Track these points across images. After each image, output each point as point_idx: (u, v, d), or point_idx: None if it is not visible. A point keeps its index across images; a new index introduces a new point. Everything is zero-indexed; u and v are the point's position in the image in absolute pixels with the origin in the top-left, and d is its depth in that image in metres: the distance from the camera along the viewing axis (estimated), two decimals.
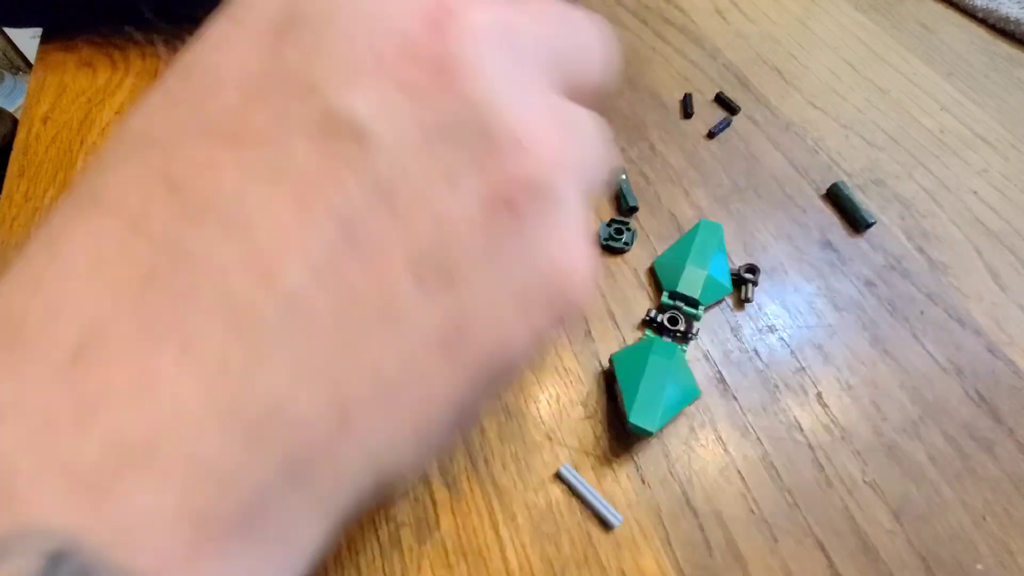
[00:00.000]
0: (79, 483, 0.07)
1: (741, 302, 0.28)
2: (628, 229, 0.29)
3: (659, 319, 0.26)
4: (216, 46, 0.09)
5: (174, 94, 0.09)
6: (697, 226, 0.29)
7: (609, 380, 0.25)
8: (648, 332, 0.26)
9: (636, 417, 0.21)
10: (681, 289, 0.26)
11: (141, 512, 0.07)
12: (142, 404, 0.07)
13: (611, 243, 0.29)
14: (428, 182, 0.09)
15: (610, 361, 0.24)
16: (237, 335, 0.08)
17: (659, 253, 0.29)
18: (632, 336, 0.26)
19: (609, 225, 0.30)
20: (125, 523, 0.07)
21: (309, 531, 0.09)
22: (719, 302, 0.28)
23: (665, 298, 0.27)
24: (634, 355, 0.24)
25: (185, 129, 0.09)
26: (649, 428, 0.21)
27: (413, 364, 0.09)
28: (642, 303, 0.28)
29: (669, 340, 0.26)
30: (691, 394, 0.23)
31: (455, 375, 0.10)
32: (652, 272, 0.28)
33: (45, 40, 0.37)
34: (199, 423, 0.08)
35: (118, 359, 0.07)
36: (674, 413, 0.23)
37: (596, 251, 0.12)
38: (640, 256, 0.29)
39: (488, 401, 0.11)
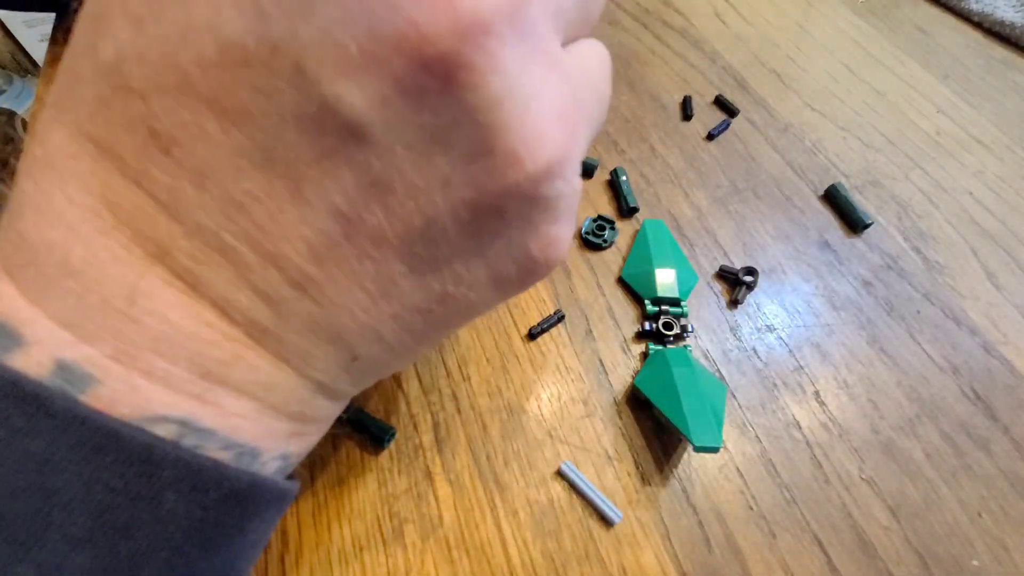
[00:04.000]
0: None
1: (734, 302, 0.28)
2: (611, 228, 0.30)
3: (653, 328, 0.26)
4: None
5: (146, 27, 0.08)
6: (643, 230, 0.29)
7: (639, 405, 0.24)
8: (649, 344, 0.26)
9: (701, 440, 0.21)
10: (661, 293, 0.27)
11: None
12: None
13: (590, 238, 0.29)
14: (422, 184, 0.09)
15: (633, 387, 0.24)
16: (256, 302, 0.10)
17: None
18: (631, 331, 0.27)
19: (594, 221, 0.30)
20: None
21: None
22: (707, 297, 0.28)
23: (649, 306, 0.27)
24: (656, 375, 0.24)
25: (162, 78, 0.08)
26: (716, 444, 0.21)
27: (403, 326, 0.11)
28: (641, 301, 0.28)
29: (673, 346, 0.26)
30: (722, 391, 0.24)
31: (430, 330, 0.12)
32: (622, 283, 0.28)
33: (53, 42, 0.38)
34: None
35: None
36: (723, 417, 0.23)
37: (574, 238, 0.11)
38: None
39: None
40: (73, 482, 0.08)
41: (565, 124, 0.09)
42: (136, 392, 0.09)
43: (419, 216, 0.09)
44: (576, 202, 0.11)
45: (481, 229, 0.10)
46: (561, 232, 0.11)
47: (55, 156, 0.09)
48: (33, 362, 0.09)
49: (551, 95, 0.09)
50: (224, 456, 0.10)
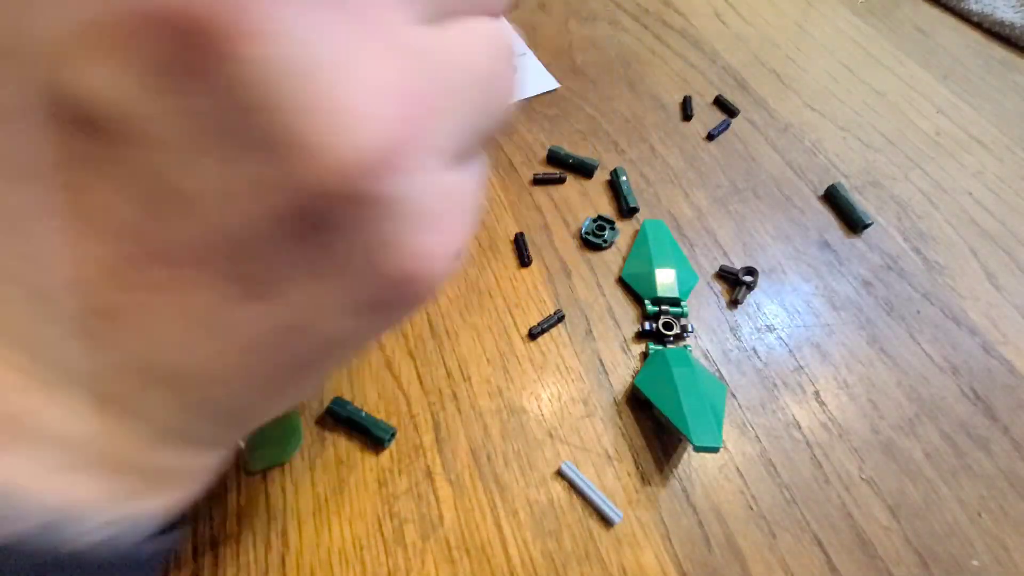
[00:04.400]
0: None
1: (734, 302, 0.28)
2: (611, 228, 0.30)
3: (653, 328, 0.26)
4: None
5: None
6: (643, 230, 0.29)
7: (639, 405, 0.24)
8: (649, 344, 0.26)
9: (701, 440, 0.21)
10: (661, 293, 0.27)
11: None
12: None
13: (590, 238, 0.29)
14: (201, 190, 0.07)
15: (634, 387, 0.24)
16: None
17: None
18: (631, 331, 0.27)
19: (594, 221, 0.30)
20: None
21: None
22: (709, 297, 0.28)
23: (649, 306, 0.27)
24: (656, 375, 0.24)
25: None
26: (716, 444, 0.21)
27: (247, 364, 0.09)
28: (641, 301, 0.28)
29: (673, 346, 0.26)
30: (722, 390, 0.24)
31: (293, 368, 0.10)
32: (622, 283, 0.28)
33: None
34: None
35: None
36: (723, 416, 0.23)
37: (462, 234, 0.10)
38: None
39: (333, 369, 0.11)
40: None
41: (402, 103, 0.07)
42: None
43: (211, 230, 0.07)
44: (460, 200, 0.09)
45: (305, 243, 0.08)
46: (432, 241, 0.08)
47: None
48: None
49: (378, 69, 0.07)
50: (24, 526, 0.08)
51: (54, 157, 0.07)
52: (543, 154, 0.33)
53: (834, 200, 0.32)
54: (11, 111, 0.07)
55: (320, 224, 0.08)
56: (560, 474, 0.23)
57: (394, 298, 0.09)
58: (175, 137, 0.07)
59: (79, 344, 0.08)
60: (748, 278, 0.28)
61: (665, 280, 0.27)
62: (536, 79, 0.37)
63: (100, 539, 0.09)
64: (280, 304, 0.08)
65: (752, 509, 0.22)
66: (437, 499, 0.22)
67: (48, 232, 0.07)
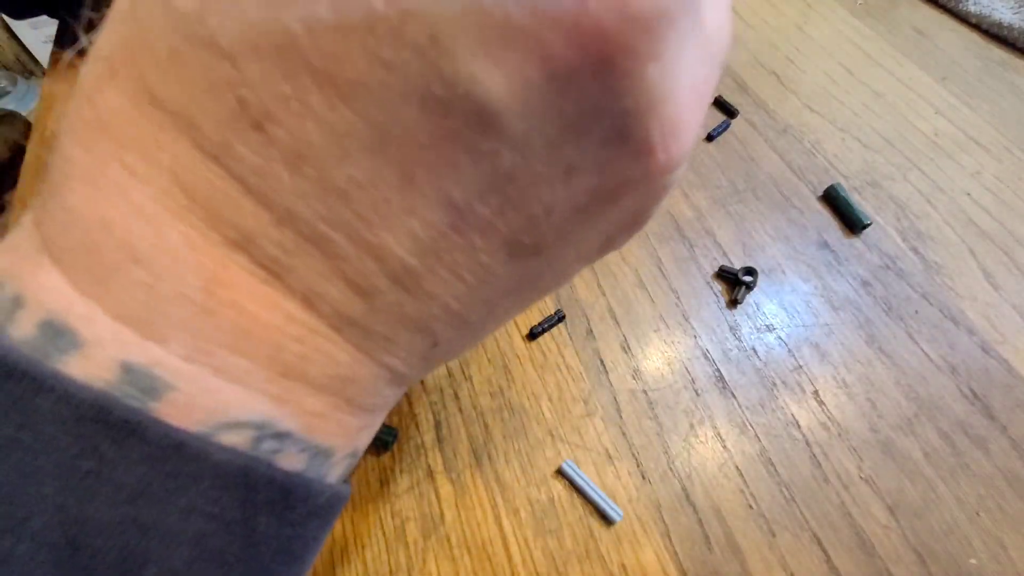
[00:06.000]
0: None
1: (734, 302, 0.28)
2: None
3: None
4: None
5: None
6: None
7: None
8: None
9: None
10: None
11: None
12: None
13: None
14: (545, 173, 0.08)
15: None
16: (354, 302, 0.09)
17: (659, 253, 0.30)
18: (631, 331, 0.27)
19: None
20: None
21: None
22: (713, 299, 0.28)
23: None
24: None
25: (259, 39, 0.07)
26: None
27: (491, 307, 0.10)
28: (643, 302, 0.28)
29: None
30: None
31: (513, 309, 0.11)
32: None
33: (57, 44, 0.38)
34: None
35: None
36: None
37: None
38: (640, 256, 0.30)
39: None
40: (170, 513, 0.08)
41: (700, 109, 0.08)
42: (211, 395, 0.08)
43: (534, 206, 0.08)
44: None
45: (591, 214, 0.09)
46: (653, 211, 0.10)
47: (111, 120, 0.07)
48: (94, 366, 0.08)
49: (694, 77, 0.08)
50: (300, 460, 0.09)
51: (420, 135, 0.07)
52: None
53: (833, 200, 0.32)
54: (398, 89, 0.07)
55: (611, 200, 0.09)
56: (560, 473, 0.23)
57: (612, 248, 0.11)
58: (538, 131, 0.07)
59: (361, 300, 0.09)
60: (747, 278, 0.28)
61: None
62: None
63: (342, 471, 0.11)
64: (542, 259, 0.10)
65: (752, 508, 0.22)
66: (438, 497, 0.22)
67: (376, 201, 0.08)
